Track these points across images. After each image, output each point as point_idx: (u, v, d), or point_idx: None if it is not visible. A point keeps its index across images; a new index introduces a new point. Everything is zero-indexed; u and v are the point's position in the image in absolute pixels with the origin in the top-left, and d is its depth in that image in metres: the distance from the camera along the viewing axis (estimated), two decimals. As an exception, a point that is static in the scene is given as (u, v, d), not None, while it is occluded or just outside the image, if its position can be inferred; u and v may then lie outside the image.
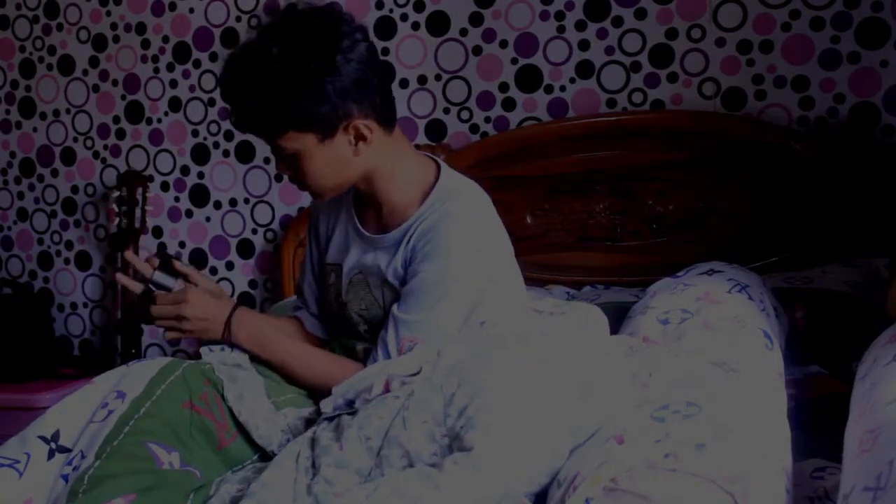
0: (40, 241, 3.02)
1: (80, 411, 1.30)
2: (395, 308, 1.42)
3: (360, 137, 1.39)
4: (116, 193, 2.68)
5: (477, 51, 2.46)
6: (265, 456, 1.34)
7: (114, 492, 1.15)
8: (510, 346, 1.24)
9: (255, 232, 2.76)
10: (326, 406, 1.30)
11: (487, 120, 2.48)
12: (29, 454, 1.25)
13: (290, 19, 1.36)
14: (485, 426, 1.09)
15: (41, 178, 2.99)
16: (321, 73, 1.32)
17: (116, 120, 2.88)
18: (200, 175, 2.80)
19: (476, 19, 2.46)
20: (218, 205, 2.79)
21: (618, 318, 1.68)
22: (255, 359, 1.49)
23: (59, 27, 2.90)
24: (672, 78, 2.30)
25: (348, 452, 1.17)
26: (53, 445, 1.26)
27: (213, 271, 2.81)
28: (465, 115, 2.49)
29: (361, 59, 1.35)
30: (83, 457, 1.23)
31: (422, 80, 2.52)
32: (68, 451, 1.26)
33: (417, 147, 2.45)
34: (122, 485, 1.16)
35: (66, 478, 1.23)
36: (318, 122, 1.35)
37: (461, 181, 1.51)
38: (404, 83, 2.52)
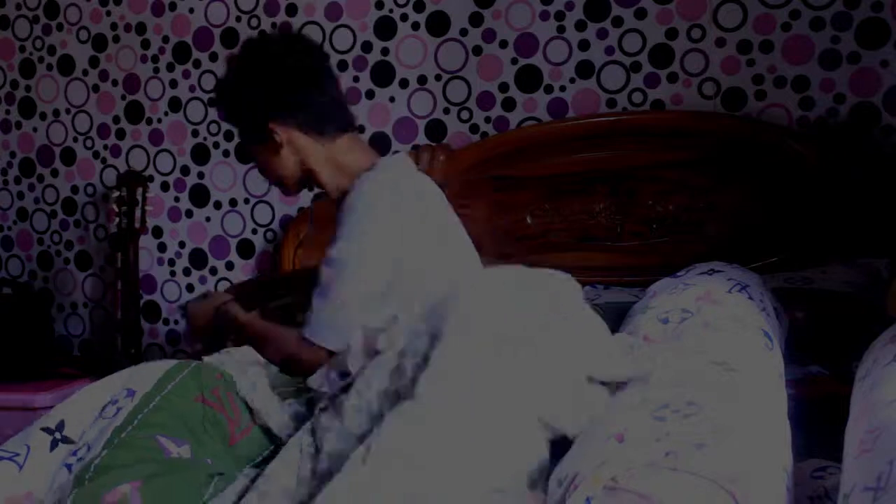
0: (40, 241, 3.02)
1: (87, 406, 1.32)
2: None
3: (277, 141, 1.67)
4: (116, 193, 2.67)
5: (477, 51, 2.47)
6: (278, 451, 1.34)
7: (120, 479, 1.15)
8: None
9: (255, 232, 2.76)
10: (313, 382, 1.33)
11: (487, 120, 2.48)
12: (29, 447, 1.26)
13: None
14: (429, 375, 1.09)
15: (41, 178, 2.99)
16: (239, 90, 1.69)
17: (116, 120, 2.88)
18: (200, 175, 2.80)
19: (476, 19, 2.46)
20: (218, 205, 2.79)
21: (618, 318, 1.67)
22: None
23: (59, 27, 2.90)
24: (672, 78, 2.30)
25: (348, 422, 1.17)
26: (58, 435, 1.27)
27: (214, 271, 2.82)
28: (465, 115, 2.50)
29: (285, 78, 1.65)
30: (89, 449, 1.23)
31: (422, 80, 2.52)
32: (72, 442, 1.27)
33: (416, 147, 2.46)
34: (128, 473, 1.17)
35: (70, 467, 1.23)
36: (246, 130, 1.75)
37: (386, 163, 1.69)
38: (404, 83, 2.53)
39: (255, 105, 1.66)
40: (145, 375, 1.35)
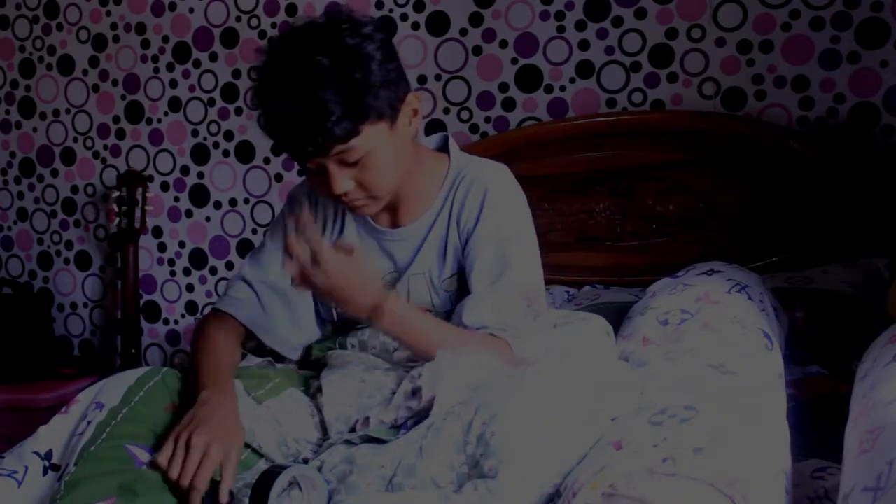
0: (40, 241, 3.02)
1: (67, 429, 1.29)
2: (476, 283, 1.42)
3: (414, 112, 1.38)
4: (116, 193, 2.68)
5: (477, 51, 2.46)
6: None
7: (91, 495, 1.13)
8: (523, 372, 1.22)
9: (255, 232, 2.76)
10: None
11: (487, 120, 2.48)
12: (27, 467, 1.25)
13: (309, 30, 1.32)
14: (504, 454, 1.08)
15: (41, 178, 2.99)
16: (382, 56, 1.30)
17: (116, 120, 2.88)
18: (200, 175, 2.80)
19: (476, 19, 2.46)
20: (218, 205, 2.79)
21: (618, 318, 1.67)
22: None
23: (59, 27, 2.90)
24: (672, 78, 2.30)
25: (357, 476, 1.16)
26: (47, 463, 1.26)
27: (213, 271, 2.82)
28: (465, 115, 2.49)
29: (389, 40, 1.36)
30: (66, 468, 1.23)
31: (422, 80, 2.52)
32: (59, 468, 1.26)
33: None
34: (98, 487, 1.14)
35: None
36: (390, 104, 1.31)
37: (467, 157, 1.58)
38: (404, 83, 2.52)
39: (398, 69, 1.34)
40: (114, 387, 1.31)
